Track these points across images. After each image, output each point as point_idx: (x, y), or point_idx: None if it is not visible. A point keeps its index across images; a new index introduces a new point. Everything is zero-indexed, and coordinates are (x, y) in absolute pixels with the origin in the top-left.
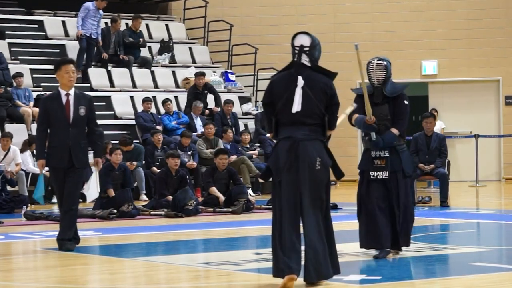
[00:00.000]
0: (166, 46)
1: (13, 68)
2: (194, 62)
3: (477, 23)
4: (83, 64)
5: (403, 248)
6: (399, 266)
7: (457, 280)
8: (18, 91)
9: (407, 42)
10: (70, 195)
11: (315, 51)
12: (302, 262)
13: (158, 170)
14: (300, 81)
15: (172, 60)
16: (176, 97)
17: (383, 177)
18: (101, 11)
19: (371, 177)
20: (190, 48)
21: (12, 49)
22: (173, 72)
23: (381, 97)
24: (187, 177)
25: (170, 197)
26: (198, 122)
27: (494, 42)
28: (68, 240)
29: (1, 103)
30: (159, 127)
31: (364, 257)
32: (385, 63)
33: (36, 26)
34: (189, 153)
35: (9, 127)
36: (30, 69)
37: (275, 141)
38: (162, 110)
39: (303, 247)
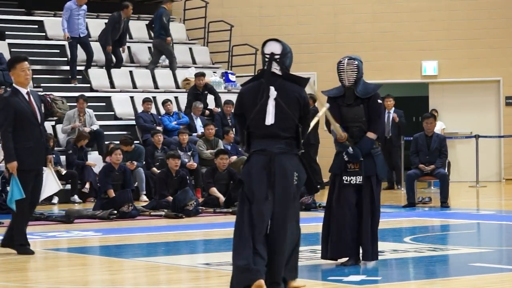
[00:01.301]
0: None
1: None
2: (194, 62)
3: (478, 24)
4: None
5: (369, 261)
6: (399, 267)
7: (458, 281)
8: None
9: (407, 42)
10: (36, 198)
11: (286, 59)
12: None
13: (158, 171)
14: (273, 92)
15: None
16: (176, 98)
17: (357, 182)
18: (84, 6)
19: (344, 181)
20: (190, 49)
21: (12, 50)
22: (173, 73)
23: (353, 98)
24: (187, 177)
25: (170, 198)
26: (198, 123)
27: (494, 42)
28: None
29: None
30: (159, 128)
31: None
32: (356, 62)
33: (36, 26)
34: (189, 153)
35: None
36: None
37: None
38: (162, 111)
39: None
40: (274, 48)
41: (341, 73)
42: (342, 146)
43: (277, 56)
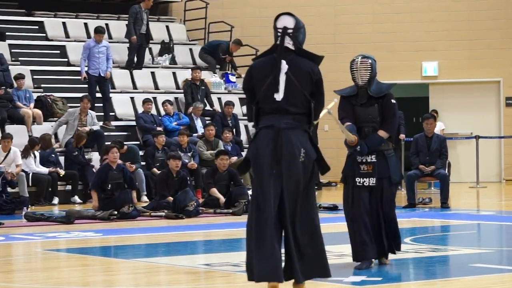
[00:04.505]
0: (167, 47)
1: (14, 70)
2: (194, 63)
3: (478, 24)
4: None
5: (396, 252)
6: (399, 267)
7: (458, 281)
8: (18, 93)
9: (407, 43)
10: None
11: (300, 34)
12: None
13: (159, 172)
14: (284, 66)
15: (173, 61)
16: (176, 98)
17: (370, 184)
18: (104, 43)
19: (357, 183)
20: (190, 49)
21: (12, 50)
22: (174, 73)
23: (366, 97)
24: (188, 178)
25: (170, 198)
26: (198, 124)
27: (494, 43)
28: None
29: (2, 105)
30: (159, 128)
31: None
32: (370, 61)
33: (37, 27)
34: (189, 154)
35: (9, 128)
36: (31, 71)
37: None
38: (163, 111)
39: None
40: (287, 22)
41: (354, 72)
42: (351, 148)
43: (290, 31)
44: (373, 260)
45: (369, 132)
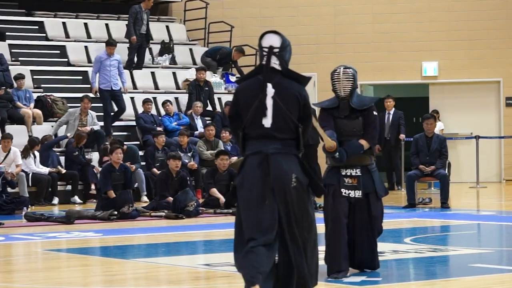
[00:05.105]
0: (167, 48)
1: (14, 70)
2: (194, 63)
3: (478, 24)
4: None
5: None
6: (399, 268)
7: (458, 282)
8: (18, 93)
9: (407, 43)
10: None
11: (286, 53)
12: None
13: (159, 172)
14: (270, 90)
15: (173, 61)
16: (176, 99)
17: (356, 196)
18: (116, 56)
19: (343, 193)
20: (190, 49)
21: (12, 50)
22: (174, 73)
23: (348, 110)
24: (188, 178)
25: (170, 199)
26: (199, 123)
27: (494, 43)
28: None
29: (2, 105)
30: (159, 128)
31: None
32: (351, 71)
33: (37, 27)
34: (189, 154)
35: (9, 128)
36: (31, 71)
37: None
38: (163, 111)
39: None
40: (273, 41)
41: (336, 83)
42: (329, 154)
43: (276, 50)
44: (348, 268)
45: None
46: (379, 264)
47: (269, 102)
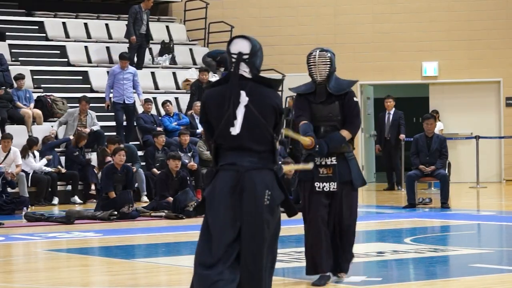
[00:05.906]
0: (167, 48)
1: (14, 70)
2: (194, 63)
3: (478, 25)
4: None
5: (342, 274)
6: (399, 268)
7: (458, 282)
8: (18, 93)
9: (407, 43)
10: None
11: (256, 59)
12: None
13: (159, 172)
14: (244, 98)
15: (173, 61)
16: (176, 99)
17: (331, 189)
18: (131, 69)
19: (316, 189)
20: (190, 49)
21: (12, 51)
22: (174, 74)
23: (325, 95)
24: (188, 178)
25: (170, 199)
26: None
27: (494, 43)
28: None
29: (2, 105)
30: (159, 129)
31: (364, 259)
32: (328, 54)
33: (37, 27)
34: (190, 154)
35: (9, 128)
36: (31, 71)
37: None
38: (163, 112)
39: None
40: (242, 46)
41: (312, 67)
42: (310, 150)
43: (245, 56)
44: (330, 275)
45: (327, 132)
46: (347, 269)
47: (241, 111)
